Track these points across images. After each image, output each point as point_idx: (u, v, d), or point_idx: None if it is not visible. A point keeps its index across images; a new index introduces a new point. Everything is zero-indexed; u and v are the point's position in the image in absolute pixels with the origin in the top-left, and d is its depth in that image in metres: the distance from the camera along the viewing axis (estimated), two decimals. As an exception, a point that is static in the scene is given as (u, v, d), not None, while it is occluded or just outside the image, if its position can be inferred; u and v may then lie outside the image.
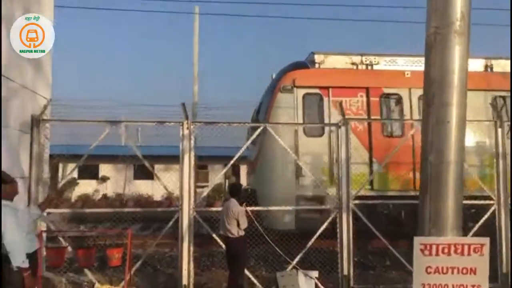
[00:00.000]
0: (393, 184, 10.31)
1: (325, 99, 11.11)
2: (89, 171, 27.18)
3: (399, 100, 11.30)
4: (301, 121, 10.91)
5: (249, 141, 8.64)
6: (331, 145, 10.44)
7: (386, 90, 11.35)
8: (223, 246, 7.48)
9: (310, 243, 8.29)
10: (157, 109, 10.07)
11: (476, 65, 11.84)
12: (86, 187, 26.26)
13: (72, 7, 22.23)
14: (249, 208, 7.93)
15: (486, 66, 12.20)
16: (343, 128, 8.52)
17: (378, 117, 11.27)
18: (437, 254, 4.48)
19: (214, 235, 7.95)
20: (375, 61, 11.76)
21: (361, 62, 11.74)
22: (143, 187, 24.10)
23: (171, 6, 29.11)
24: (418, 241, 4.55)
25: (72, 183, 26.95)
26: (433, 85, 4.66)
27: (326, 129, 10.57)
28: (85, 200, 23.21)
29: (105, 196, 24.72)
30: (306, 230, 8.96)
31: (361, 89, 11.24)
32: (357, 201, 8.34)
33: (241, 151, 8.37)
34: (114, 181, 26.26)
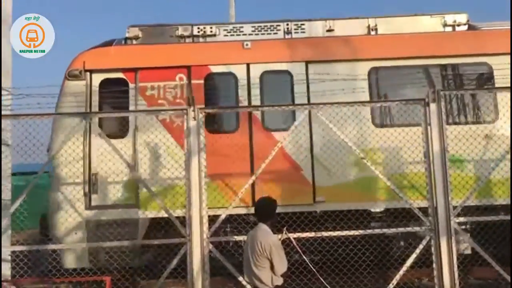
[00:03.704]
0: (224, 199, 7.56)
1: (131, 85, 8.30)
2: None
3: (232, 80, 8.33)
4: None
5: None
6: (136, 149, 7.96)
7: (215, 69, 8.37)
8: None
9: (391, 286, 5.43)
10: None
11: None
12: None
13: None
14: (293, 236, 5.13)
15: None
16: (432, 106, 5.53)
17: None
18: None
19: (241, 279, 5.23)
20: (211, 32, 8.80)
21: (191, 35, 8.81)
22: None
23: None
24: None
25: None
26: None
27: (131, 127, 7.91)
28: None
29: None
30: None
31: (181, 69, 8.33)
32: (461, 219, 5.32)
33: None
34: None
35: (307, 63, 8.17)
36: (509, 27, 7.99)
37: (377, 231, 6.35)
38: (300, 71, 8.14)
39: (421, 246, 5.68)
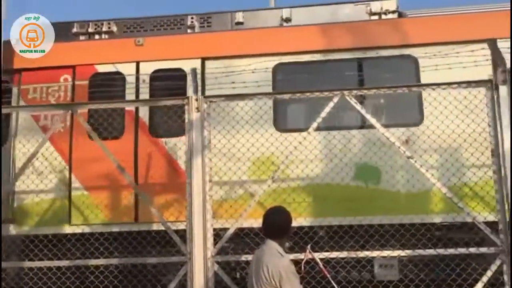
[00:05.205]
0: (105, 213, 7.04)
1: (14, 89, 7.67)
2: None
3: (120, 81, 7.60)
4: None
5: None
6: (13, 157, 7.42)
7: (101, 68, 7.71)
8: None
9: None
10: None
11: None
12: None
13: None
14: (319, 256, 4.04)
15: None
16: (503, 90, 4.35)
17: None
18: None
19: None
20: (108, 29, 8.10)
21: (87, 32, 8.15)
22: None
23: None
24: None
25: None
26: None
27: (10, 133, 7.42)
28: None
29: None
30: None
31: (66, 69, 7.73)
32: None
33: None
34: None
35: (203, 59, 7.46)
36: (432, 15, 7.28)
37: (429, 251, 5.02)
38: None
39: (489, 273, 4.36)
